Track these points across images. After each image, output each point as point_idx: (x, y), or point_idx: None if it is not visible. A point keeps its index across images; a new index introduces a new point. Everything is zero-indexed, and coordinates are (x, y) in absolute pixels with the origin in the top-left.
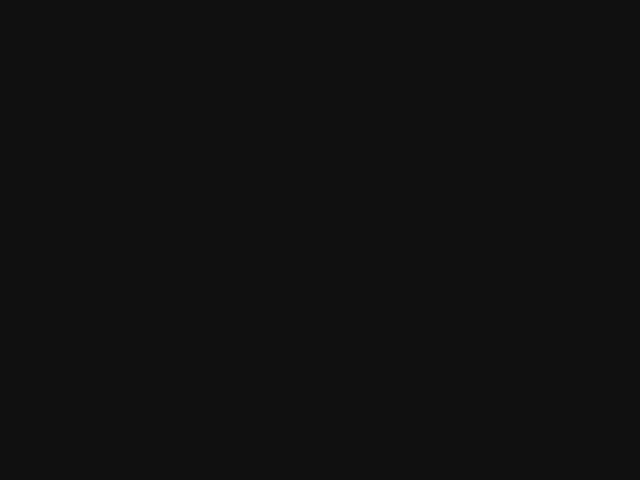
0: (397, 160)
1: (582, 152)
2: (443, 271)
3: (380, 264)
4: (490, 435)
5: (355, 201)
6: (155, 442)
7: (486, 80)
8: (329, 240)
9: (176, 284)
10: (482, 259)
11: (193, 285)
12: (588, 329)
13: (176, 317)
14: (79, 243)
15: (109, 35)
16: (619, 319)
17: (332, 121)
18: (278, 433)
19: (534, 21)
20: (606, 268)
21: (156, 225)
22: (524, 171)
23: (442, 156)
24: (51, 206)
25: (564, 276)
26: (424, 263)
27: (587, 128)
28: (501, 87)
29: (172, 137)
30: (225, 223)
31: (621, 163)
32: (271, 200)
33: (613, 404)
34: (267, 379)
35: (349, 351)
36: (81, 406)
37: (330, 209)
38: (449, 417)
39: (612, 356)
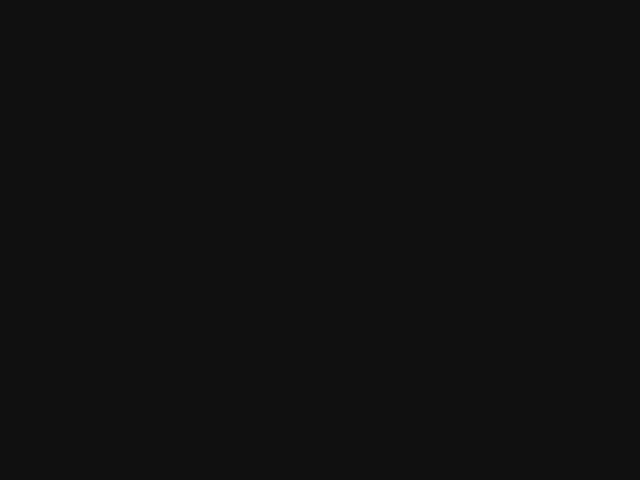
0: (396, 160)
1: (582, 152)
2: (443, 271)
3: (380, 264)
4: (490, 435)
5: (355, 201)
6: (155, 442)
7: (486, 80)
8: (329, 240)
9: (176, 284)
10: (481, 259)
11: (193, 285)
12: (588, 329)
13: (176, 317)
14: (79, 243)
15: (109, 35)
16: (619, 319)
17: (331, 121)
18: (278, 433)
19: (534, 21)
20: (606, 268)
21: (156, 225)
22: (524, 171)
23: (441, 156)
24: (50, 206)
25: (564, 276)
26: (424, 263)
27: (587, 128)
28: (501, 87)
29: (172, 137)
30: (225, 223)
31: (621, 163)
32: (271, 200)
33: (613, 404)
34: (267, 379)
35: (349, 351)
36: (81, 406)
37: (330, 209)
38: (448, 417)
39: (612, 356)
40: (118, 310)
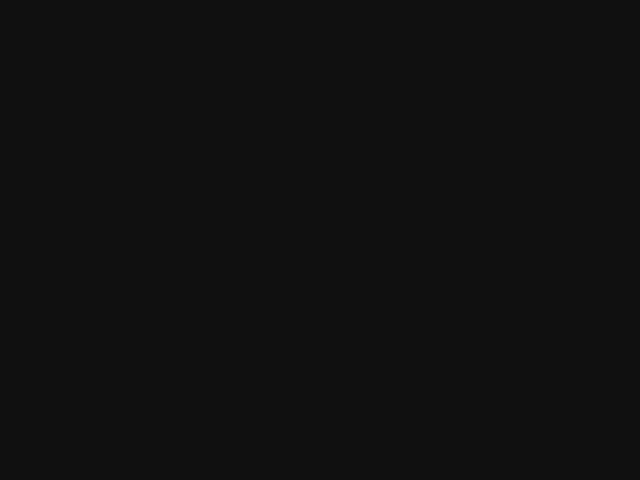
0: (396, 160)
1: (582, 152)
2: (442, 271)
3: (380, 264)
4: (490, 435)
5: (354, 201)
6: (155, 442)
7: (486, 80)
8: (328, 240)
9: (175, 284)
10: (480, 258)
11: (192, 285)
12: (588, 329)
13: (175, 317)
14: (78, 243)
15: (109, 35)
16: (619, 319)
17: (331, 121)
18: (278, 433)
19: (534, 21)
20: (606, 268)
21: (155, 225)
22: (524, 170)
23: (441, 155)
24: (50, 205)
25: (564, 275)
26: (423, 262)
27: (587, 128)
28: (501, 86)
29: (171, 137)
30: (225, 223)
31: (621, 163)
32: (271, 200)
33: (613, 404)
34: (267, 379)
35: (348, 350)
36: (81, 406)
37: (329, 209)
38: (448, 417)
39: (612, 356)
40: (118, 310)
